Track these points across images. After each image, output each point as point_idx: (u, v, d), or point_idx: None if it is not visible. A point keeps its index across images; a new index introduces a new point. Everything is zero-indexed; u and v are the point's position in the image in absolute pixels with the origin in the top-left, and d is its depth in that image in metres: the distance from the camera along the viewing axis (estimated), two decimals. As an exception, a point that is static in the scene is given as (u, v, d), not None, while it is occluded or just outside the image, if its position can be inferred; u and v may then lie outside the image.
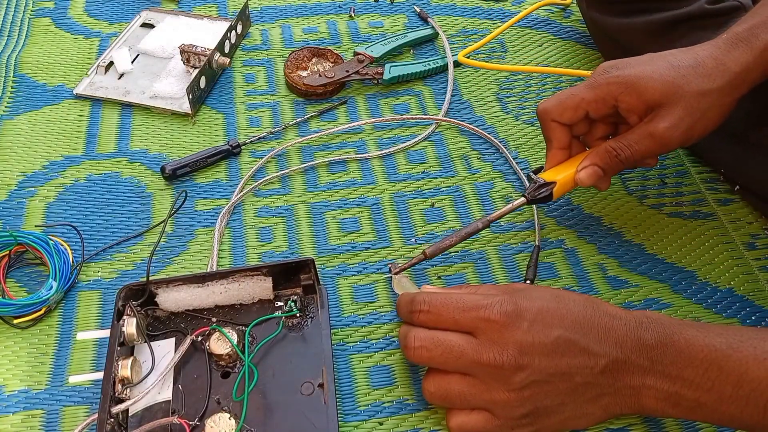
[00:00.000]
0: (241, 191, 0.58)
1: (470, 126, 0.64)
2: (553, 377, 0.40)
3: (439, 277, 0.53)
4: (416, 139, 0.63)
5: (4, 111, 0.64)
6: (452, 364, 0.41)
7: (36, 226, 0.55)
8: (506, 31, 0.74)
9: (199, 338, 0.46)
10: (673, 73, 0.47)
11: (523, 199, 0.52)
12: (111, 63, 0.68)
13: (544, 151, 0.63)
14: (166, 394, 0.44)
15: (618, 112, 0.49)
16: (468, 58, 0.69)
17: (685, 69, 0.47)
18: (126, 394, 0.42)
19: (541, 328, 0.40)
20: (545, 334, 0.40)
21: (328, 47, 0.70)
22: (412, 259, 0.51)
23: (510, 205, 0.52)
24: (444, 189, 0.59)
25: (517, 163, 0.61)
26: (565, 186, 0.51)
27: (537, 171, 0.53)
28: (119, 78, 0.67)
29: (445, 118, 0.64)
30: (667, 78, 0.47)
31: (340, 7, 0.77)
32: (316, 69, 0.68)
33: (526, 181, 0.59)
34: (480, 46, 0.71)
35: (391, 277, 0.51)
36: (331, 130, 0.63)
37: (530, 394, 0.40)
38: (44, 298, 0.49)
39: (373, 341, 0.50)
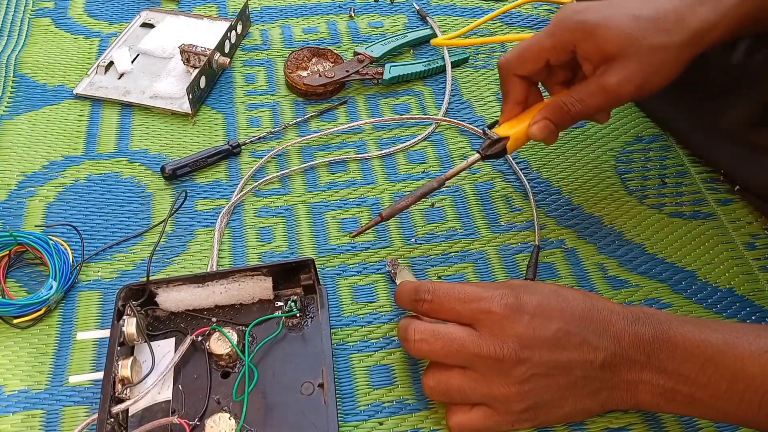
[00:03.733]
0: (241, 191, 0.58)
1: (470, 126, 0.64)
2: (553, 371, 0.40)
3: (439, 277, 0.53)
4: (416, 139, 0.63)
5: (4, 111, 0.64)
6: (452, 357, 0.41)
7: (36, 226, 0.55)
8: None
9: (199, 338, 0.46)
10: (633, 24, 0.46)
11: (477, 155, 0.51)
12: (111, 63, 0.68)
13: (545, 150, 0.63)
14: (166, 394, 0.44)
15: (576, 58, 0.49)
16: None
17: (645, 21, 0.46)
18: (126, 394, 0.42)
19: (541, 321, 0.40)
20: (546, 328, 0.40)
21: (328, 47, 0.70)
22: (368, 222, 0.50)
23: (464, 162, 0.51)
24: (444, 189, 0.59)
25: (517, 163, 0.61)
26: (518, 140, 0.51)
27: (491, 126, 0.52)
28: (119, 78, 0.67)
29: (445, 118, 0.64)
30: (626, 29, 0.46)
31: (340, 7, 0.77)
32: (316, 69, 0.68)
33: (524, 179, 0.59)
34: (461, 33, 0.71)
35: (389, 270, 0.52)
36: (331, 130, 0.63)
37: (530, 389, 0.40)
38: (44, 297, 0.49)
39: (373, 341, 0.50)
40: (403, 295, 0.45)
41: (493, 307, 0.41)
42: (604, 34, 0.46)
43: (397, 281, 0.51)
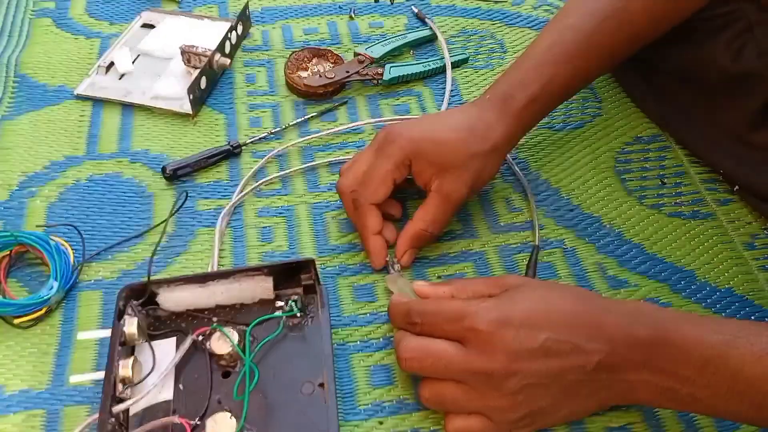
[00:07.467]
0: (242, 191, 0.58)
1: (470, 126, 0.64)
2: (545, 379, 0.40)
3: (438, 277, 0.53)
4: (416, 139, 0.63)
5: (5, 111, 0.64)
6: (442, 373, 0.41)
7: (37, 226, 0.55)
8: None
9: (200, 338, 0.46)
10: (454, 136, 0.51)
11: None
12: (112, 63, 0.68)
13: (544, 151, 0.63)
14: (167, 393, 0.44)
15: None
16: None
17: (463, 132, 0.51)
18: (127, 394, 0.42)
19: (528, 332, 0.40)
20: (533, 339, 0.40)
21: (329, 48, 0.71)
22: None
23: None
24: (444, 189, 0.59)
25: (516, 163, 0.61)
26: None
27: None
28: (120, 78, 0.67)
29: (445, 119, 0.64)
30: (450, 142, 0.51)
31: (340, 7, 0.77)
32: (316, 70, 0.68)
33: (524, 179, 0.60)
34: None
35: (387, 274, 0.52)
36: (332, 131, 0.63)
37: (524, 398, 0.40)
38: (45, 298, 0.49)
39: (373, 341, 0.50)
40: (397, 318, 0.45)
41: (477, 324, 0.40)
42: (432, 149, 0.51)
43: (390, 288, 0.50)
